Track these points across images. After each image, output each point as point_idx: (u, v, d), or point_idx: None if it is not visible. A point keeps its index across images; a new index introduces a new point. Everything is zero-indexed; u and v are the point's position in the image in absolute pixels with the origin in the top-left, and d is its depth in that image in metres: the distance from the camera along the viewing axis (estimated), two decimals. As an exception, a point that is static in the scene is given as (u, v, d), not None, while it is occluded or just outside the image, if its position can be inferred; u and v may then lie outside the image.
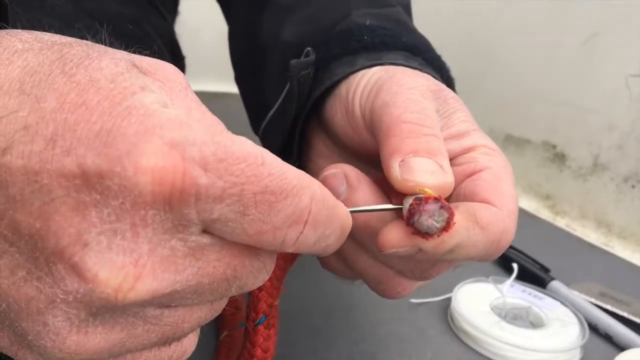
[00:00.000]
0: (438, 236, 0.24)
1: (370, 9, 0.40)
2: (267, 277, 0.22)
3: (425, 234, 0.24)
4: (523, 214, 0.80)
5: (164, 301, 0.19)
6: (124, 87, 0.18)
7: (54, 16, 0.34)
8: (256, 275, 0.22)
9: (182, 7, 0.68)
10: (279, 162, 0.19)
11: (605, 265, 0.67)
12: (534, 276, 0.58)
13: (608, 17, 0.75)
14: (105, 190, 0.17)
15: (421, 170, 0.26)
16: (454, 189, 0.28)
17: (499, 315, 0.50)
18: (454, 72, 0.40)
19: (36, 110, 0.17)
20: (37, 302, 0.18)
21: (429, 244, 0.24)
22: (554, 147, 0.82)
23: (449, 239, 0.24)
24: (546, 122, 0.83)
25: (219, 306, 0.23)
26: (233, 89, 0.60)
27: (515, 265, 0.55)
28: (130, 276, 0.18)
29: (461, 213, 0.25)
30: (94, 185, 0.17)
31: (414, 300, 0.52)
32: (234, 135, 0.19)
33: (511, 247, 0.63)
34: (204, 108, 0.22)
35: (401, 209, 0.26)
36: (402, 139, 0.27)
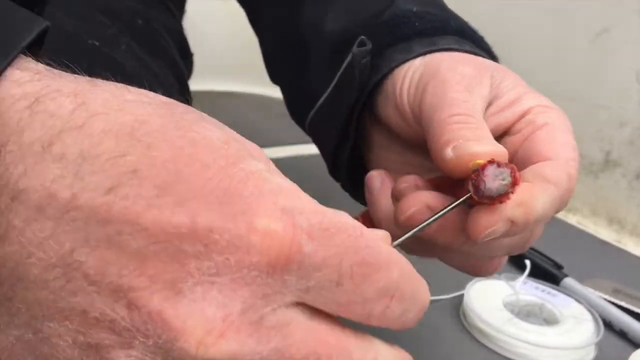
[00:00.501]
0: (512, 193, 0.25)
1: None
2: None
3: (501, 197, 0.24)
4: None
5: None
6: (237, 149, 0.19)
7: (64, 11, 0.34)
8: None
9: (188, 6, 0.68)
10: (373, 235, 0.20)
11: (618, 262, 0.66)
12: (547, 273, 0.57)
13: (618, 12, 0.74)
14: (211, 244, 0.17)
15: (474, 144, 0.27)
16: (516, 153, 0.30)
17: (512, 312, 0.49)
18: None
19: (147, 157, 0.17)
20: (108, 343, 0.17)
21: (518, 212, 0.25)
22: (565, 143, 0.82)
23: (533, 205, 0.26)
24: (556, 119, 0.82)
25: None
26: (238, 88, 0.60)
27: (528, 262, 0.54)
28: (217, 330, 0.17)
29: (530, 179, 0.27)
30: (200, 238, 0.17)
31: (425, 298, 0.52)
32: (333, 209, 0.20)
33: (523, 244, 0.62)
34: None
35: (470, 196, 0.26)
36: (452, 133, 0.28)
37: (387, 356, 0.21)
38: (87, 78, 0.19)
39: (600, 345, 0.48)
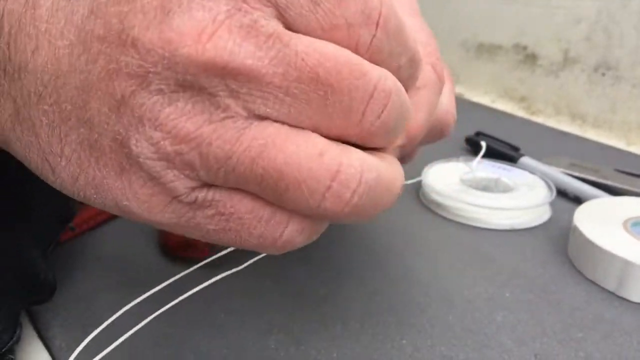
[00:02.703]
0: None
1: None
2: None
3: None
4: (499, 114, 0.81)
5: (240, 81, 0.18)
6: None
7: None
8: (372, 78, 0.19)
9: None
10: None
11: (578, 146, 0.68)
12: (505, 155, 0.59)
13: None
14: None
15: None
16: None
17: (469, 187, 0.51)
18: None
19: None
20: (131, 89, 0.18)
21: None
22: (525, 48, 0.83)
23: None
24: (516, 25, 0.83)
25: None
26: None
27: (483, 143, 0.55)
28: (209, 29, 0.18)
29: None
30: None
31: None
32: None
33: (483, 134, 0.64)
34: None
35: None
36: None
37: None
38: None
39: (555, 209, 0.50)
